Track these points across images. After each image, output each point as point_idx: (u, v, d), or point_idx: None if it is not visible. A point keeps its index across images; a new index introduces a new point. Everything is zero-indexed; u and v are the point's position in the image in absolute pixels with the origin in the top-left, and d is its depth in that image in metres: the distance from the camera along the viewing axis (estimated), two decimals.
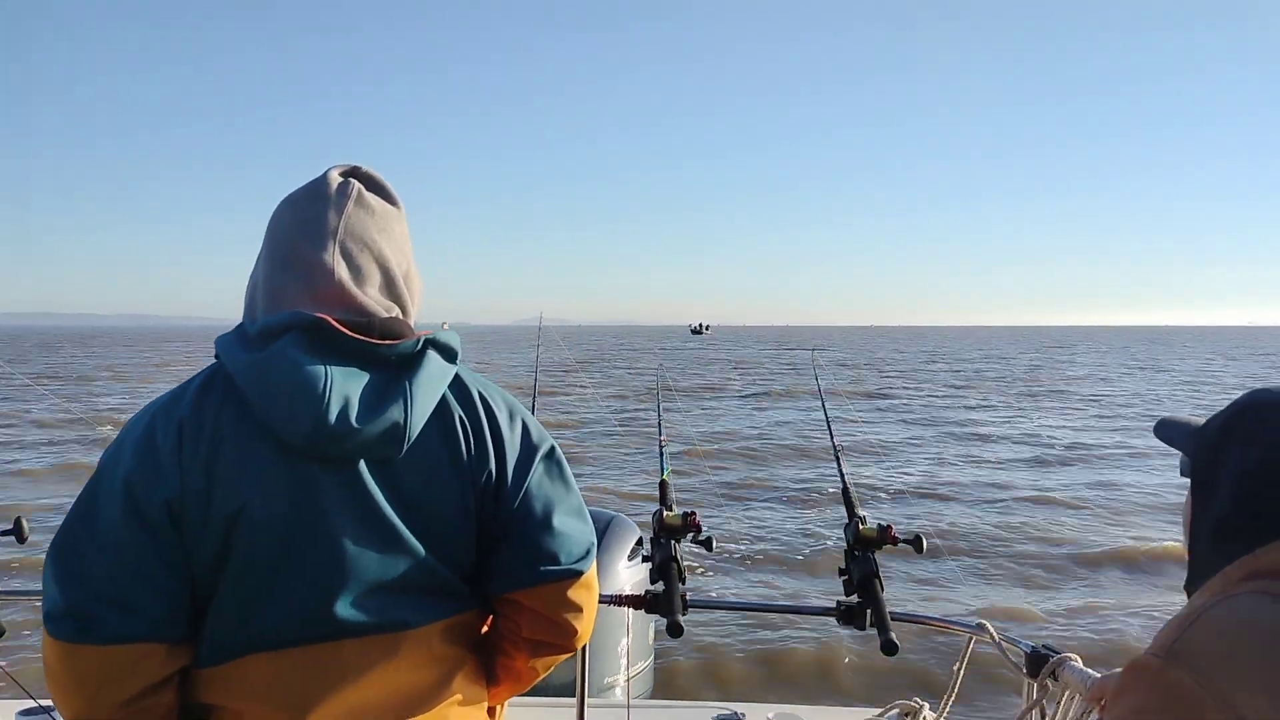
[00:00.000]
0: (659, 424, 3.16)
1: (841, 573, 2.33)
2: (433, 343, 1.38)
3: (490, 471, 1.39)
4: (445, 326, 1.44)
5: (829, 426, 3.03)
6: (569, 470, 1.49)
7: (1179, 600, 1.15)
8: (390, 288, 1.40)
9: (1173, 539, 10.77)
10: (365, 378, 1.30)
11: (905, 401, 30.18)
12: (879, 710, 2.84)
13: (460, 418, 1.39)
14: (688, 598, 2.26)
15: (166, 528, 1.24)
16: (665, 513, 2.37)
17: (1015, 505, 13.32)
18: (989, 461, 17.48)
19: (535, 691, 1.76)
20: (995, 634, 2.32)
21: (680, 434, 16.32)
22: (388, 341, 1.33)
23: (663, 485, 2.59)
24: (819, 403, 3.21)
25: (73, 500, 1.30)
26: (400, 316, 1.40)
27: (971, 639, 2.42)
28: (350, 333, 1.30)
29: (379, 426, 1.28)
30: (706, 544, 2.32)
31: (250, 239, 1.45)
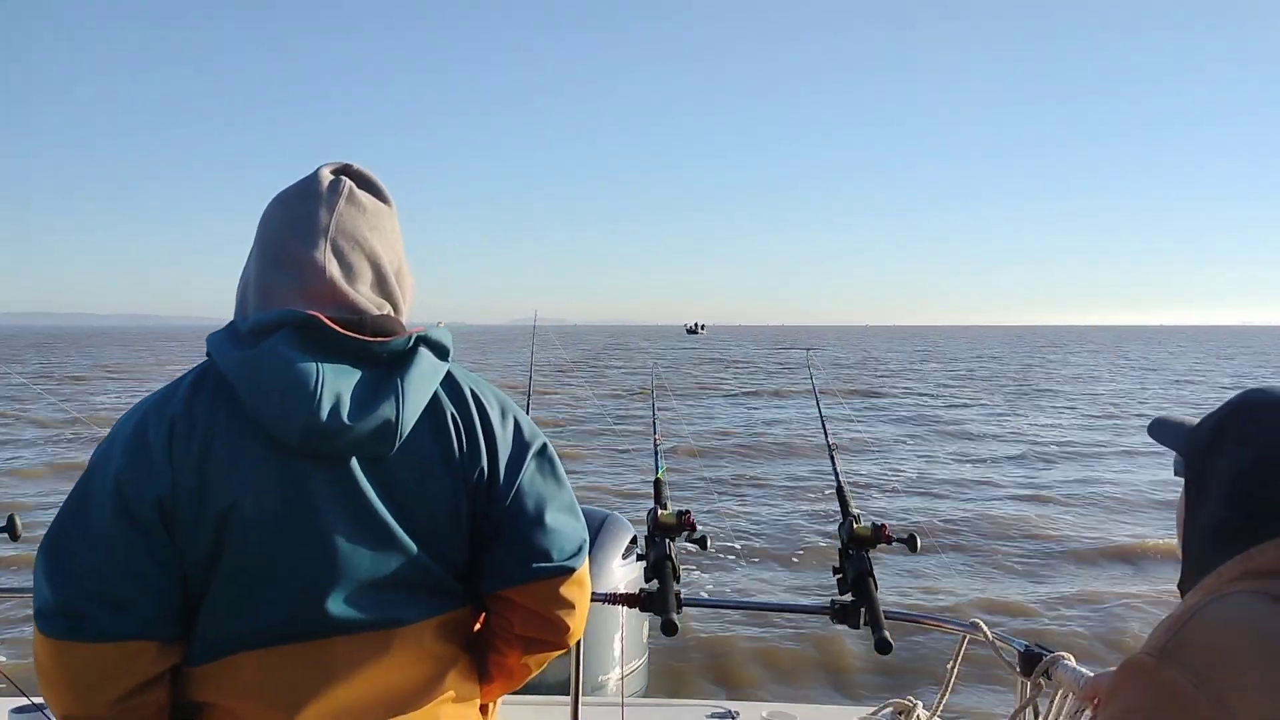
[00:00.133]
0: (654, 423, 3.16)
1: (836, 571, 2.33)
2: (424, 340, 1.38)
3: (482, 469, 1.39)
4: (440, 325, 1.44)
5: (823, 425, 3.04)
6: (561, 467, 1.49)
7: (1171, 595, 1.15)
8: (382, 285, 1.40)
9: (1163, 535, 10.85)
10: (357, 375, 1.30)
11: (898, 400, 30.29)
12: (873, 708, 2.84)
13: (452, 415, 1.39)
14: (682, 596, 2.26)
15: (157, 526, 1.24)
16: (660, 511, 2.37)
17: (1006, 501, 13.45)
18: (981, 458, 17.59)
19: (530, 690, 1.76)
20: (989, 633, 2.32)
21: (675, 433, 16.34)
22: (379, 339, 1.33)
23: (657, 484, 2.59)
24: (813, 401, 3.21)
25: (65, 498, 1.30)
26: (392, 314, 1.40)
27: (965, 637, 2.42)
28: (342, 330, 1.30)
29: (371, 424, 1.28)
30: (701, 542, 2.32)
31: (250, 239, 1.45)
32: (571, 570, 1.42)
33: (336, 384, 1.27)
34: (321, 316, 1.29)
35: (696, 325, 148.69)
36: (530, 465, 1.44)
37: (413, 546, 1.34)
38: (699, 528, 2.33)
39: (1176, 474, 1.22)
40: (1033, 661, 2.13)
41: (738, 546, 10.20)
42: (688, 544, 2.33)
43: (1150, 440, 1.31)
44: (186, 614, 1.29)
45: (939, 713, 2.59)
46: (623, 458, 16.60)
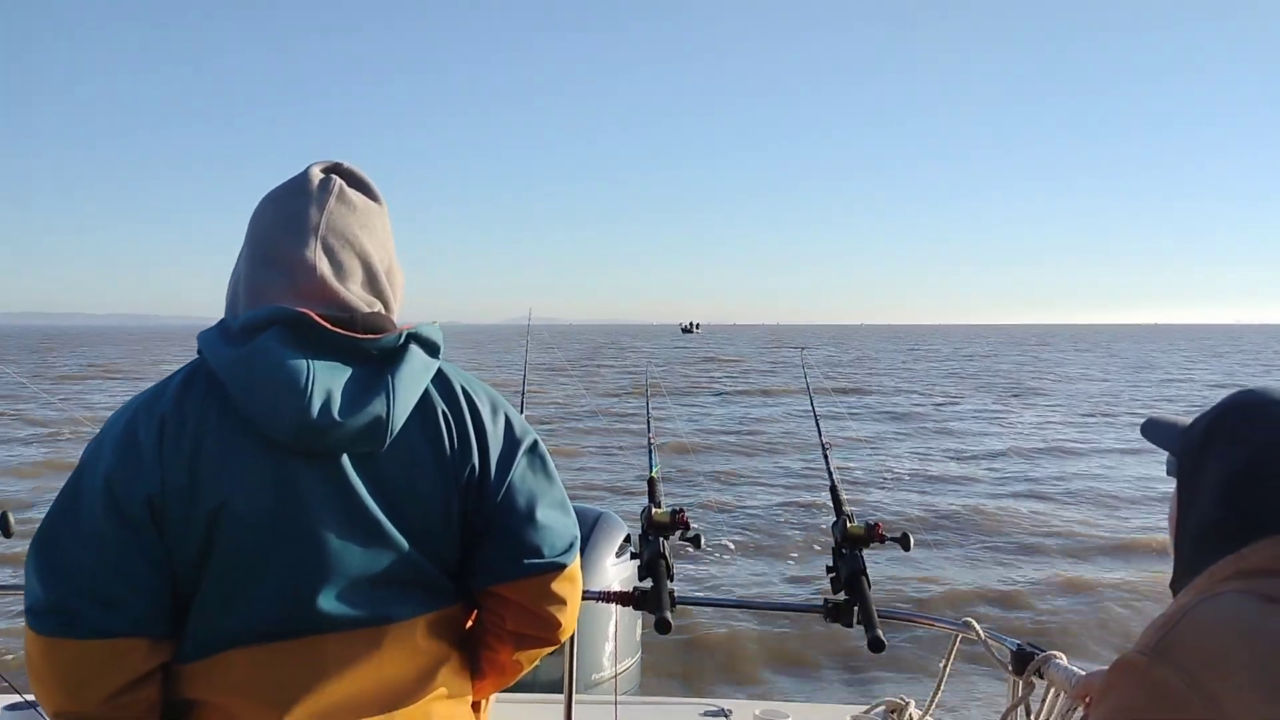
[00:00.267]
0: (648, 421, 3.16)
1: (829, 570, 2.34)
2: (415, 337, 1.37)
3: (473, 465, 1.39)
4: (435, 324, 1.43)
5: (817, 424, 3.04)
6: (552, 464, 1.49)
7: (1160, 587, 1.16)
8: (372, 283, 1.40)
9: (1151, 531, 10.92)
10: (348, 372, 1.30)
11: (891, 397, 30.38)
12: (866, 707, 2.85)
13: (443, 412, 1.39)
14: (675, 595, 2.27)
15: (148, 524, 1.24)
16: (654, 510, 2.37)
17: (997, 495, 13.60)
18: (972, 454, 17.73)
19: (523, 687, 1.76)
20: (981, 631, 2.33)
21: (669, 431, 16.37)
22: (370, 336, 1.33)
23: (651, 483, 2.59)
24: (807, 399, 3.22)
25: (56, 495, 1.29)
26: (383, 311, 1.40)
27: (958, 636, 2.43)
28: (332, 327, 1.30)
29: (361, 420, 1.27)
30: (694, 541, 2.32)
31: None
32: (563, 566, 1.42)
33: (327, 381, 1.27)
34: (312, 314, 1.29)
35: (692, 325, 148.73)
36: (521, 462, 1.43)
37: (404, 543, 1.34)
38: (692, 526, 2.34)
39: (1169, 474, 1.23)
40: (1025, 660, 2.13)
41: (731, 546, 10.22)
42: (681, 542, 2.34)
43: (1139, 437, 1.31)
44: (177, 611, 1.29)
45: (931, 711, 2.59)
46: (616, 456, 16.61)
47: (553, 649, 1.53)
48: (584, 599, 1.66)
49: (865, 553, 2.33)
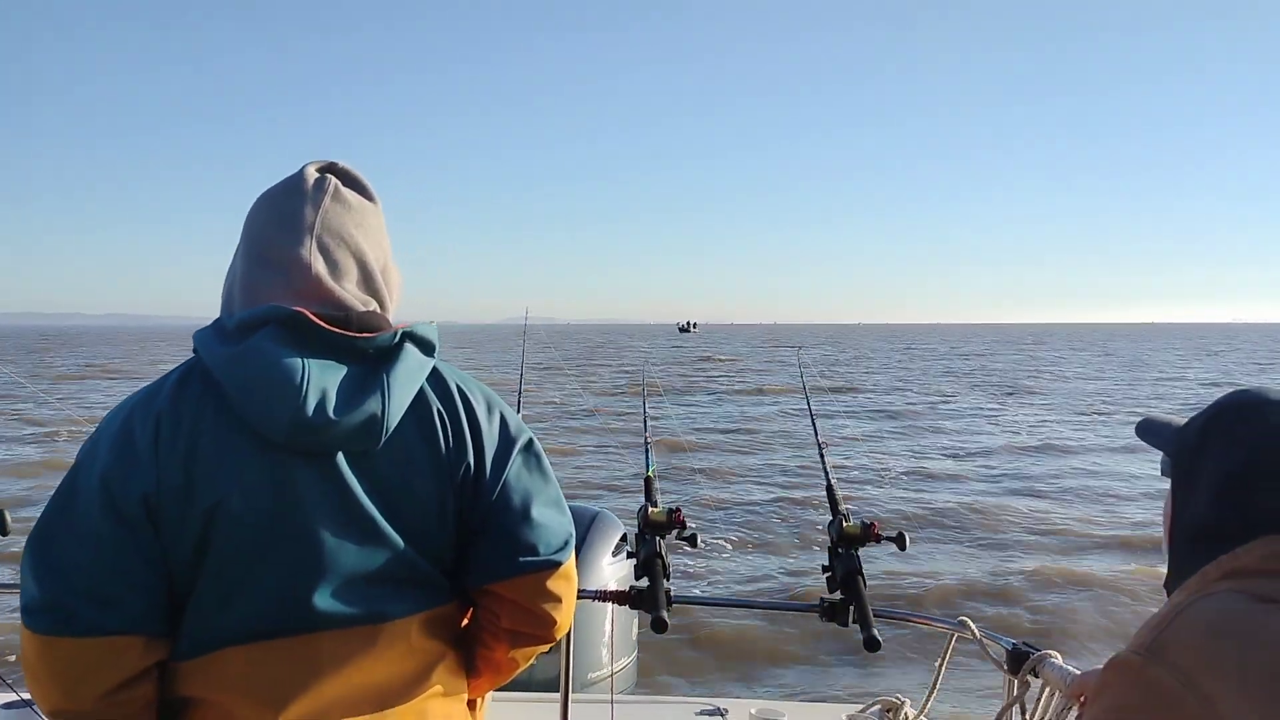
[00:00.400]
0: (644, 421, 3.16)
1: (825, 569, 2.34)
2: (410, 336, 1.38)
3: (468, 463, 1.39)
4: (432, 324, 1.44)
5: (814, 423, 3.04)
6: (547, 462, 1.49)
7: (1151, 581, 1.16)
8: (368, 282, 1.40)
9: (1146, 527, 10.97)
10: (343, 370, 1.30)
11: (886, 395, 30.43)
12: (861, 706, 2.85)
13: (438, 410, 1.39)
14: (672, 594, 2.27)
15: (143, 522, 1.24)
16: (650, 509, 2.37)
17: (992, 492, 13.67)
18: (968, 452, 17.82)
19: (519, 686, 1.76)
20: (976, 631, 2.33)
21: (665, 430, 16.37)
22: (365, 335, 1.33)
23: (647, 481, 2.59)
24: (803, 398, 3.22)
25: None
26: (378, 310, 1.40)
27: (953, 635, 2.43)
28: (327, 326, 1.30)
29: (356, 418, 1.28)
30: (691, 540, 2.32)
31: None
32: (558, 564, 1.42)
33: (322, 379, 1.27)
34: (307, 313, 1.29)
35: (689, 324, 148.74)
36: (516, 460, 1.44)
37: (399, 541, 1.34)
38: (689, 525, 2.34)
39: (1164, 474, 1.23)
40: (1020, 659, 2.14)
41: (728, 544, 10.23)
42: (678, 541, 2.34)
43: (1133, 435, 1.31)
44: (173, 609, 1.29)
45: (926, 710, 2.60)
46: (612, 455, 16.62)
47: (548, 647, 1.53)
48: (580, 598, 1.66)
49: (861, 550, 2.33)
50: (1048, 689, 2.07)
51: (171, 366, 1.38)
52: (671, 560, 2.32)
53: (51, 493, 1.29)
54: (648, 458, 2.76)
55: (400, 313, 1.47)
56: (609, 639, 3.66)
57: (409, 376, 1.35)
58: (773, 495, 13.22)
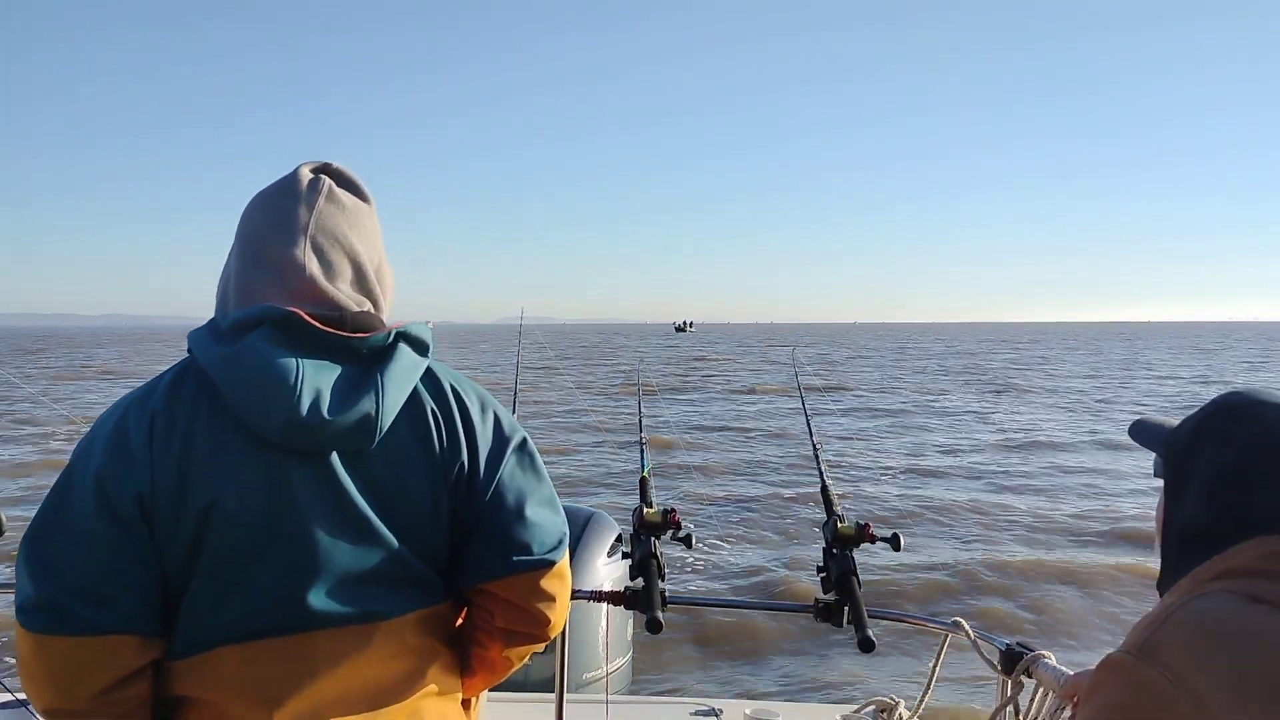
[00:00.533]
0: (639, 421, 3.16)
1: (819, 570, 2.34)
2: (404, 336, 1.38)
3: (462, 463, 1.39)
4: (429, 324, 1.44)
5: (808, 423, 3.04)
6: (541, 461, 1.50)
7: (1150, 584, 1.16)
8: (362, 282, 1.41)
9: (1140, 523, 11.02)
10: (337, 370, 1.30)
11: (882, 394, 30.49)
12: (855, 706, 2.85)
13: (432, 410, 1.39)
14: (667, 594, 2.27)
15: (138, 522, 1.24)
16: (645, 509, 2.37)
17: (987, 489, 13.70)
18: (962, 449, 17.89)
19: (514, 687, 1.76)
20: (970, 632, 2.33)
21: (660, 429, 16.36)
22: (359, 334, 1.33)
23: (642, 482, 2.59)
24: (798, 398, 3.22)
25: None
26: (372, 310, 1.41)
27: (947, 636, 2.44)
28: (322, 326, 1.30)
29: (351, 418, 1.28)
30: (686, 541, 2.32)
31: None
32: (551, 563, 1.43)
33: (316, 379, 1.27)
34: (301, 313, 1.29)
35: (685, 324, 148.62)
36: (510, 459, 1.44)
37: (393, 541, 1.34)
38: (684, 526, 2.34)
39: (1156, 475, 1.23)
40: (1014, 660, 2.14)
41: (723, 545, 10.23)
42: (673, 542, 2.34)
43: (1125, 434, 1.32)
44: (168, 609, 1.29)
45: (921, 710, 2.60)
46: (607, 455, 16.63)
47: (542, 646, 1.53)
48: (575, 598, 1.66)
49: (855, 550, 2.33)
50: (1041, 689, 2.07)
51: (167, 366, 1.38)
52: (666, 560, 2.32)
53: (45, 493, 1.29)
54: (643, 457, 2.76)
55: (399, 312, 1.48)
56: (604, 639, 3.67)
57: (403, 376, 1.35)
58: (768, 493, 13.23)
